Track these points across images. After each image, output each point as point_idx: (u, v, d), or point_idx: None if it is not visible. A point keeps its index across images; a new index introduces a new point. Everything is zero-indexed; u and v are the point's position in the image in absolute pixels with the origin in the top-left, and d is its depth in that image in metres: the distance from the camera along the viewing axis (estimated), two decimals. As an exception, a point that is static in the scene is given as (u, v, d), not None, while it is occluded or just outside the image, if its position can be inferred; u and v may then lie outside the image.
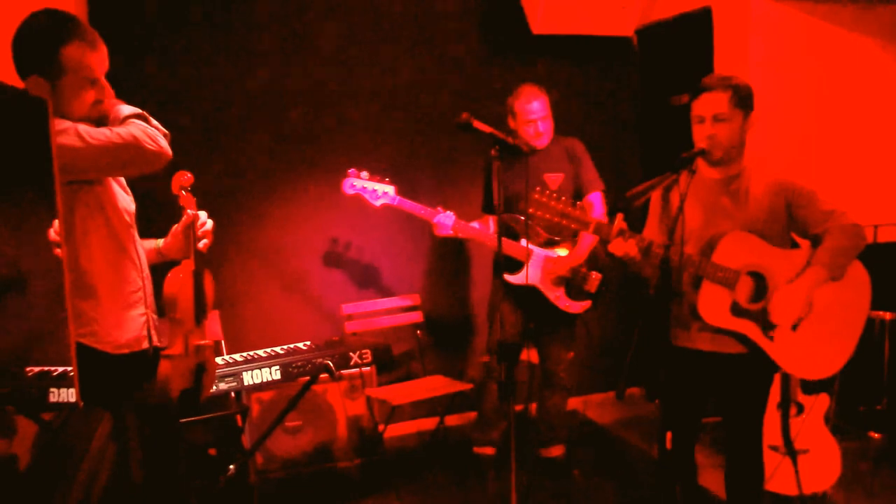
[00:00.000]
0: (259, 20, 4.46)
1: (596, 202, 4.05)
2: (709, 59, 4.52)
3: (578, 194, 4.06)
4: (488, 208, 4.17)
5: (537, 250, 3.96)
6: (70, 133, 2.06)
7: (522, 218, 3.91)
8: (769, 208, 2.77)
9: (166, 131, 2.33)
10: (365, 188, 3.90)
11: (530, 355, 4.42)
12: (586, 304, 4.02)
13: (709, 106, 2.72)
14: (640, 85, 5.31)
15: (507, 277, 3.95)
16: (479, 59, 4.95)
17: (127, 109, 2.28)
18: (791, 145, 4.40)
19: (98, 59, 2.21)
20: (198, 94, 4.36)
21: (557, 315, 4.02)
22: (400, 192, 3.93)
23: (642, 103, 5.31)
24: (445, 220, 3.90)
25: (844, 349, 2.81)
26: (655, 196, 2.95)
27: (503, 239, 3.83)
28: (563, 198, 2.64)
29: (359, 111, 4.71)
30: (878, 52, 4.65)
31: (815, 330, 2.75)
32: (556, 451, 4.27)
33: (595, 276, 3.99)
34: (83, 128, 2.09)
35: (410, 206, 3.90)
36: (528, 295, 3.99)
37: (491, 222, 4.10)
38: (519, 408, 4.87)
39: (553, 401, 4.19)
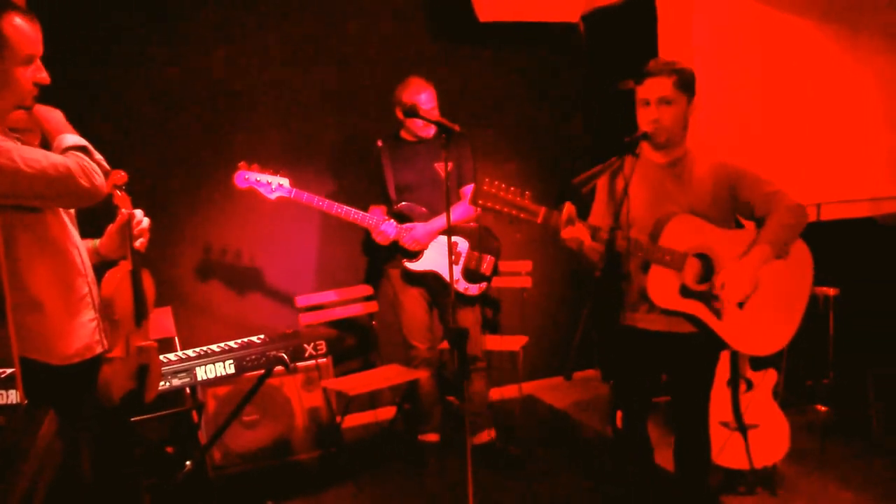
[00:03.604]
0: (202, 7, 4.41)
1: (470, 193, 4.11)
2: (654, 44, 4.56)
3: (459, 183, 4.17)
4: (379, 199, 4.16)
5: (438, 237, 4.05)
6: (4, 155, 2.01)
7: (420, 207, 4.02)
8: (713, 191, 2.82)
9: (108, 167, 2.30)
10: (258, 181, 3.83)
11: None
12: (482, 286, 4.13)
13: (654, 89, 2.76)
14: (586, 70, 5.34)
15: (407, 264, 4.05)
16: (426, 47, 4.94)
17: (70, 139, 2.24)
18: (735, 127, 4.46)
19: (35, 35, 2.16)
20: (126, 89, 4.29)
21: (459, 298, 4.10)
22: (296, 184, 3.90)
23: (589, 88, 5.34)
24: (389, 231, 3.95)
25: (789, 325, 2.89)
26: (601, 182, 2.97)
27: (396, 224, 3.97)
28: (511, 188, 2.65)
29: (301, 100, 4.68)
30: (819, 34, 4.73)
31: (762, 307, 2.82)
32: (487, 435, 4.30)
33: (489, 259, 4.11)
34: (19, 153, 2.04)
35: (308, 198, 3.87)
36: (430, 281, 4.11)
37: (379, 212, 4.11)
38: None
39: (475, 387, 4.23)
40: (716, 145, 2.93)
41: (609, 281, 2.74)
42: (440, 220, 3.96)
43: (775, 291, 2.83)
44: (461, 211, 4.05)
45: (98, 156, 2.28)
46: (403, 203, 4.03)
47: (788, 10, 4.61)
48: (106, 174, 2.28)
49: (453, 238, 4.09)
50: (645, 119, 2.78)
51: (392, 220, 3.97)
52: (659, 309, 2.78)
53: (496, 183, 2.64)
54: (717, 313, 2.79)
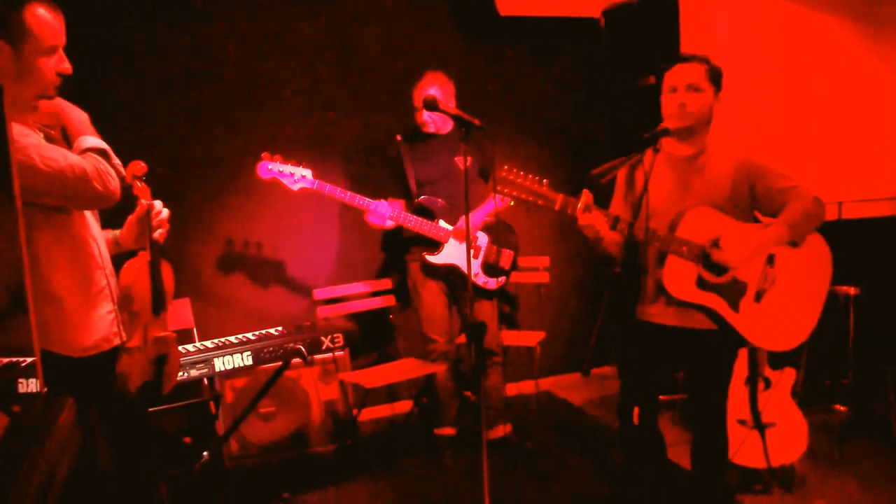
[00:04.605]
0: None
1: None
2: (675, 40, 4.54)
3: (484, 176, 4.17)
4: (398, 193, 4.16)
5: (453, 230, 4.04)
6: (22, 152, 2.02)
7: (440, 200, 4.00)
8: (733, 185, 2.80)
9: (123, 172, 2.31)
10: (282, 172, 3.83)
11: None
12: (502, 280, 4.15)
13: (683, 75, 2.75)
14: (606, 65, 5.32)
15: (428, 257, 4.05)
16: (447, 40, 4.94)
17: (91, 141, 2.25)
18: (758, 123, 4.43)
19: (58, 25, 2.17)
20: (147, 81, 4.32)
21: (478, 292, 4.12)
22: (319, 175, 3.90)
23: (609, 83, 5.33)
24: (381, 210, 3.93)
25: (808, 321, 2.87)
26: (621, 174, 2.98)
27: (419, 220, 3.96)
28: (530, 175, 2.67)
29: (322, 93, 4.69)
30: (842, 30, 4.69)
31: (779, 302, 2.80)
32: (504, 429, 4.32)
33: (508, 253, 4.14)
34: (38, 151, 2.05)
35: (331, 190, 3.87)
36: (449, 274, 4.11)
37: (398, 206, 4.08)
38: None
39: (491, 381, 4.24)
40: (737, 142, 2.91)
41: (628, 276, 2.74)
42: (479, 213, 4.04)
43: (793, 286, 2.82)
44: (488, 208, 4.06)
45: (116, 160, 2.30)
46: (423, 197, 4.03)
47: (810, 5, 4.57)
48: (122, 179, 2.29)
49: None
50: (671, 105, 2.77)
51: (383, 201, 3.94)
52: (675, 301, 2.77)
53: (515, 170, 2.67)
54: (735, 306, 2.77)
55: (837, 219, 4.33)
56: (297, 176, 3.85)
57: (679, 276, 2.74)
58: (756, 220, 2.88)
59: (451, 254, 4.04)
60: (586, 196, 2.67)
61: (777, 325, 2.82)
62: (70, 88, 2.29)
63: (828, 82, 4.66)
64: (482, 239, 4.09)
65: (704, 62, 2.77)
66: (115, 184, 2.22)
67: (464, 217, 3.99)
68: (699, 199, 2.78)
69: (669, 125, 2.73)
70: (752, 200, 2.83)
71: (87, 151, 2.20)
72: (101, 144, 2.26)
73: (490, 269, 4.09)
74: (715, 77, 2.78)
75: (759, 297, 2.80)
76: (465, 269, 4.03)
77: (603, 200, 2.95)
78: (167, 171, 4.28)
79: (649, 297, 2.89)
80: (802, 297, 2.85)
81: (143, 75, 4.29)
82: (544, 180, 2.69)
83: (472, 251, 4.03)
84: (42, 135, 2.19)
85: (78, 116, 2.31)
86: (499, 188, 2.66)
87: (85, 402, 2.21)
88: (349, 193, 3.89)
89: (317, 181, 3.87)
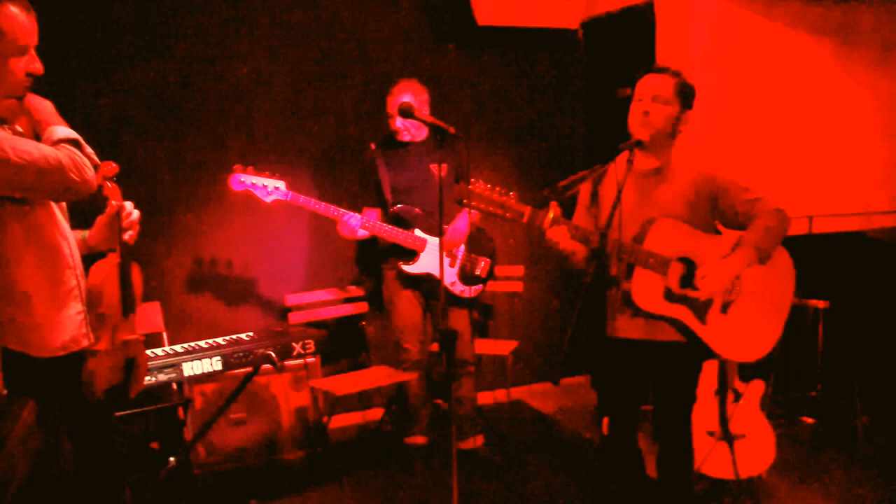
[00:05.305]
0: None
1: None
2: (651, 53, 4.57)
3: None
4: (373, 202, 4.15)
5: (430, 238, 4.02)
6: None
7: (417, 209, 4.00)
8: (694, 200, 2.82)
9: (98, 161, 2.28)
10: (255, 184, 3.79)
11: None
12: (478, 288, 4.16)
13: (650, 86, 2.77)
14: (585, 77, 5.35)
15: (404, 267, 4.03)
16: (423, 49, 4.94)
17: (62, 132, 2.21)
18: (729, 137, 4.47)
19: (31, 25, 2.12)
20: (121, 89, 4.28)
21: (453, 301, 4.12)
22: (292, 186, 3.87)
23: (587, 95, 5.35)
24: (352, 222, 3.91)
25: (773, 332, 2.89)
26: (584, 187, 2.98)
27: (394, 229, 3.96)
28: (497, 188, 2.66)
29: (298, 103, 4.67)
30: (815, 47, 4.75)
31: (745, 313, 2.83)
32: (477, 440, 4.32)
33: (485, 262, 4.14)
34: (10, 144, 2.01)
35: (305, 201, 3.85)
36: (425, 283, 4.09)
37: (374, 215, 4.09)
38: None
39: (463, 390, 4.24)
40: (700, 157, 2.93)
41: (598, 287, 2.75)
42: (463, 223, 4.02)
43: (759, 298, 2.84)
44: (467, 218, 4.06)
45: (89, 149, 2.27)
46: (399, 206, 4.01)
47: (785, 22, 4.63)
48: (96, 167, 2.26)
49: None
50: (635, 113, 2.78)
51: (356, 214, 3.94)
52: (642, 313, 2.77)
53: (481, 183, 2.66)
54: (702, 318, 2.78)
55: (808, 233, 4.38)
56: (270, 188, 3.82)
57: (647, 289, 2.75)
58: (717, 232, 2.91)
59: (427, 263, 4.02)
60: (554, 209, 2.67)
61: (743, 336, 2.84)
62: (43, 92, 2.26)
63: (800, 98, 4.72)
64: (459, 247, 4.09)
65: (676, 76, 2.79)
66: (90, 173, 2.19)
67: (449, 228, 4.01)
68: (660, 212, 2.79)
69: (641, 137, 2.74)
70: (713, 214, 2.86)
71: (60, 142, 2.16)
72: (72, 134, 2.23)
73: (467, 277, 4.09)
74: (684, 93, 2.79)
75: (725, 308, 2.82)
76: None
77: (569, 213, 2.96)
78: (139, 176, 4.23)
79: (616, 310, 2.89)
80: (767, 308, 2.88)
81: (117, 83, 4.24)
82: (511, 192, 2.67)
83: (448, 260, 4.02)
84: (10, 132, 2.16)
85: (44, 107, 2.27)
86: (466, 201, 2.65)
87: (50, 404, 2.18)
88: (323, 204, 3.87)
89: (290, 193, 3.84)
